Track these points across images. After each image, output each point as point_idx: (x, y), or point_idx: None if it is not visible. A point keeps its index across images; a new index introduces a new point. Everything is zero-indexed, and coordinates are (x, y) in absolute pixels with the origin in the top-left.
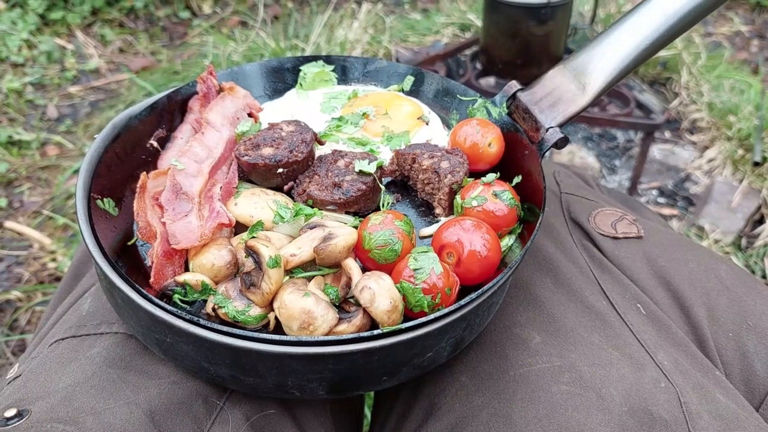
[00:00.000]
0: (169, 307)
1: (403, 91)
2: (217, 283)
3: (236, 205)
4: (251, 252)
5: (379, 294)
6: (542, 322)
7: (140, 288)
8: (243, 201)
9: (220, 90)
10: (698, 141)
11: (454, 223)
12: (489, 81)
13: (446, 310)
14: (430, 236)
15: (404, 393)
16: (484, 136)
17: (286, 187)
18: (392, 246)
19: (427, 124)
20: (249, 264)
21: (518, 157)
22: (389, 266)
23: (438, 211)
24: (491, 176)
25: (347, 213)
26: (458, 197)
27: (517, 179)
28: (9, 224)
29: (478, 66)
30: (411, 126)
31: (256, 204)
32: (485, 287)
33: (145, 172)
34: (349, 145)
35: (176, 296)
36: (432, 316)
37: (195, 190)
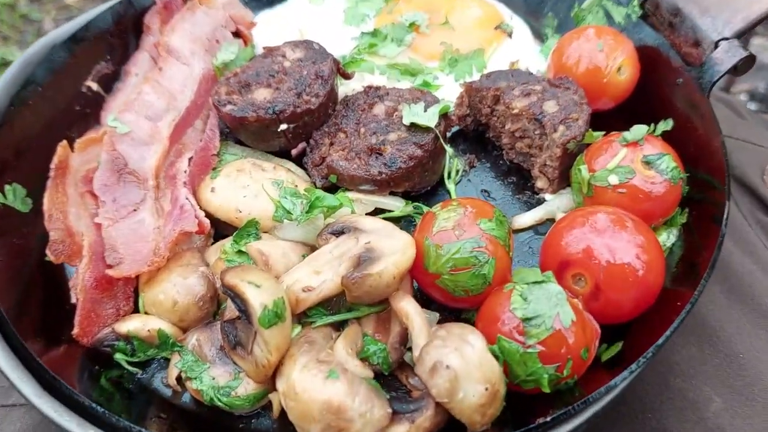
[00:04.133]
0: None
1: None
2: (184, 330)
3: (214, 191)
4: (232, 295)
5: (465, 377)
6: (720, 367)
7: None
8: (225, 184)
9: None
10: None
11: (581, 219)
12: None
13: (586, 402)
14: (530, 228)
15: None
16: (610, 55)
17: (294, 152)
18: (478, 268)
19: (509, 35)
20: (232, 308)
21: (663, 91)
22: (472, 299)
23: (541, 183)
24: (639, 130)
25: (392, 194)
26: (582, 169)
27: (663, 126)
28: None
29: None
30: (485, 40)
31: (246, 188)
32: (648, 352)
33: (64, 142)
34: (391, 77)
35: (118, 355)
36: (561, 413)
37: (149, 166)
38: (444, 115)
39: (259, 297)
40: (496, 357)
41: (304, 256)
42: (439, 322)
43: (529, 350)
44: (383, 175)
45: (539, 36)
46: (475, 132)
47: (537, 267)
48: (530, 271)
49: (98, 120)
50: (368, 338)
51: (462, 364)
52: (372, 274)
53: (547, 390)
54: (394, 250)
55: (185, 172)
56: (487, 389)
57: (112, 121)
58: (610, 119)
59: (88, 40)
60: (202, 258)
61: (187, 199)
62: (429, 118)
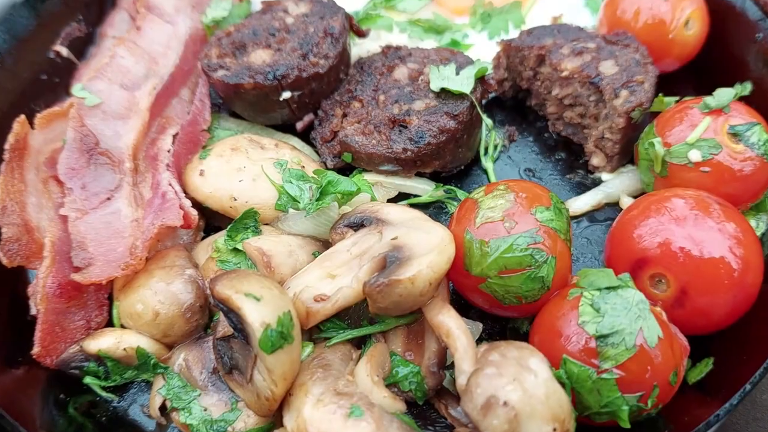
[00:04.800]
0: None
1: None
2: (169, 347)
3: (203, 174)
4: (225, 310)
5: (527, 416)
6: None
7: None
8: (216, 166)
9: None
10: None
11: (656, 206)
12: None
13: None
14: (585, 214)
15: None
16: (676, 6)
17: (299, 126)
18: (535, 270)
19: None
20: (224, 324)
21: (737, 49)
22: (525, 308)
23: (597, 161)
24: (725, 94)
25: (419, 175)
26: (656, 143)
27: (740, 89)
28: None
29: None
30: None
31: (242, 170)
32: (755, 376)
33: (22, 118)
34: (412, 35)
35: (89, 379)
36: None
37: (125, 144)
38: (481, 79)
39: (259, 313)
40: (562, 384)
41: (315, 255)
42: (483, 334)
43: (605, 376)
44: (409, 153)
45: None
46: (514, 100)
47: (597, 263)
48: (600, 273)
49: (68, 92)
50: (397, 358)
51: (524, 400)
52: (402, 280)
53: (626, 425)
54: (429, 247)
55: (169, 151)
56: (555, 430)
57: (79, 91)
58: (674, 83)
59: None
60: (189, 257)
61: (170, 185)
62: (463, 82)
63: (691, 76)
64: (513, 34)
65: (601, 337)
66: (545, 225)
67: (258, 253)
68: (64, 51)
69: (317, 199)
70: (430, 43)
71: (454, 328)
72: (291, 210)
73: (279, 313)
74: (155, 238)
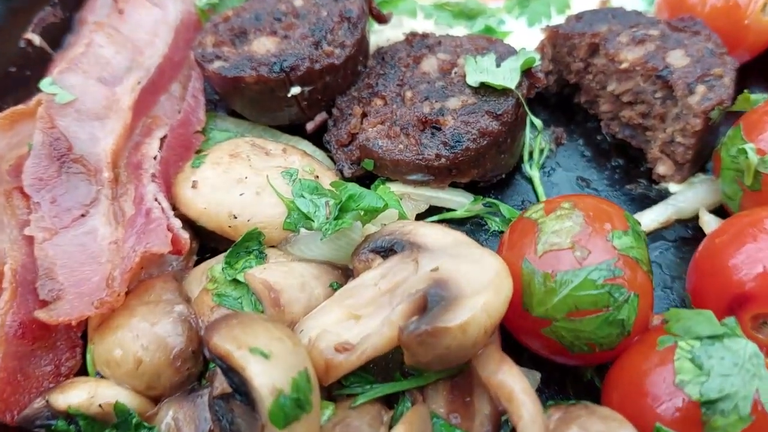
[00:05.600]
0: None
1: None
2: (155, 400)
3: (196, 186)
4: (225, 368)
5: None
6: None
7: None
8: (212, 176)
9: None
10: None
11: (752, 230)
12: None
13: None
14: (650, 234)
15: None
16: None
17: (310, 127)
18: (614, 311)
19: None
20: (221, 380)
21: None
22: (599, 356)
23: (663, 169)
24: None
25: (453, 185)
26: (748, 149)
27: None
28: None
29: None
30: None
31: (243, 181)
32: None
33: None
34: (440, 21)
35: None
36: None
37: (103, 150)
38: (527, 72)
39: (268, 376)
40: None
41: (333, 287)
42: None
43: None
44: (443, 160)
45: None
46: (559, 96)
47: (671, 294)
48: (698, 317)
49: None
50: (440, 422)
51: None
52: (451, 329)
53: None
54: (482, 283)
55: (155, 158)
56: None
57: (48, 86)
58: (743, 77)
59: None
60: (179, 290)
61: (156, 200)
62: (506, 75)
63: (763, 70)
64: (556, 20)
65: (707, 403)
66: (624, 254)
67: (264, 287)
68: (37, 39)
69: (335, 218)
70: (460, 30)
71: (519, 392)
72: (303, 230)
73: (293, 374)
74: (137, 267)
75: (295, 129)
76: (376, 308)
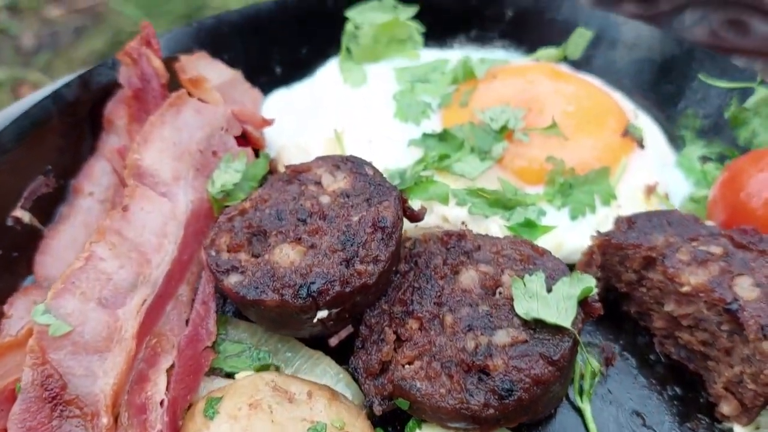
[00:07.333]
0: None
1: (566, 60)
2: None
3: None
4: None
5: None
6: None
7: None
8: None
9: (170, 82)
10: None
11: None
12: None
13: None
14: None
15: None
16: None
17: (334, 342)
18: None
19: (640, 145)
20: None
21: None
22: None
23: (728, 409)
24: None
25: None
26: None
27: None
28: None
29: None
30: (611, 153)
31: None
32: None
33: None
34: (475, 210)
35: None
36: None
37: (101, 390)
38: (582, 301)
39: None
40: None
41: None
42: None
43: None
44: (491, 410)
45: (671, 138)
46: (604, 301)
47: None
48: None
49: (31, 269)
50: None
51: None
52: None
53: None
54: None
55: (161, 404)
56: None
57: (41, 315)
58: None
59: (19, 143)
60: None
61: None
62: (560, 307)
63: None
64: (600, 211)
65: None
66: None
67: None
68: (26, 217)
69: None
70: (496, 221)
71: None
72: None
73: None
74: None
75: (316, 343)
76: None
